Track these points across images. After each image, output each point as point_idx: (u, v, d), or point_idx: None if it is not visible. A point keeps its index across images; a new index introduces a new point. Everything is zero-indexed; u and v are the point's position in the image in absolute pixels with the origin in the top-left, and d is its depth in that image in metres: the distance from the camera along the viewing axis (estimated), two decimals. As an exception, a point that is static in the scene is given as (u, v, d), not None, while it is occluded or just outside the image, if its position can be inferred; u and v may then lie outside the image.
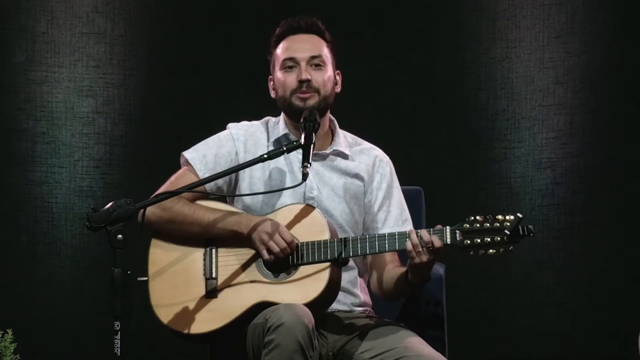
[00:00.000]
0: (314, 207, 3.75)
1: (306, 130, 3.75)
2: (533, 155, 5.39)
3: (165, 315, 3.71)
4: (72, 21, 5.47)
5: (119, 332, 3.35)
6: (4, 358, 4.65)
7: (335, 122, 3.96)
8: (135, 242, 3.53)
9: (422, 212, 4.18)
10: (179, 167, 3.88)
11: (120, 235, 3.39)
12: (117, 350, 3.35)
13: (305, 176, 3.67)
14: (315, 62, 3.85)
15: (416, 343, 3.71)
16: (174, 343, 3.77)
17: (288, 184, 3.83)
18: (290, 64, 3.85)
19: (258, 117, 4.00)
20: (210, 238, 3.75)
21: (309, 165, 3.68)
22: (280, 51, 3.88)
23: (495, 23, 5.44)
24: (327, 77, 3.86)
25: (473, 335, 5.35)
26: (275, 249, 3.66)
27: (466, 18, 5.46)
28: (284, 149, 3.72)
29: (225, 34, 5.52)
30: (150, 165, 5.43)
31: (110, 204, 3.45)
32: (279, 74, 3.87)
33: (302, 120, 3.79)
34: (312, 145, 3.72)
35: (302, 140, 3.73)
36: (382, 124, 5.39)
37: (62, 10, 5.46)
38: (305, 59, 3.84)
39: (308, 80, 3.82)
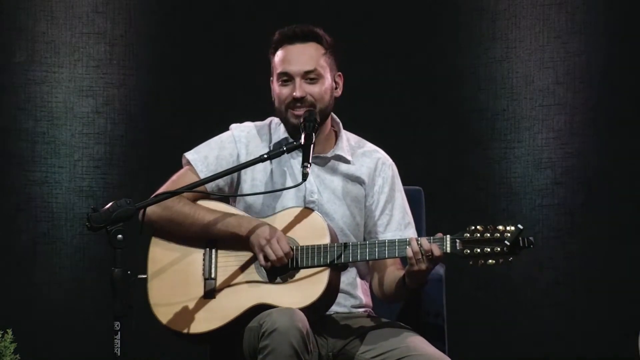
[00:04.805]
0: (313, 210, 3.74)
1: (306, 130, 3.74)
2: (533, 155, 5.39)
3: (163, 313, 3.71)
4: (72, 21, 5.47)
5: (119, 332, 3.35)
6: (4, 358, 4.65)
7: (340, 124, 3.94)
8: (136, 242, 3.54)
9: (422, 212, 4.18)
10: (179, 167, 3.88)
11: (120, 235, 3.39)
12: (117, 350, 3.35)
13: (305, 176, 3.66)
14: (310, 77, 3.80)
15: (419, 342, 3.71)
16: (174, 343, 3.77)
17: (289, 185, 3.82)
18: (285, 78, 3.81)
19: (259, 118, 3.99)
20: (210, 239, 3.75)
21: (309, 165, 3.67)
22: (276, 61, 3.83)
23: (495, 23, 5.44)
24: (324, 89, 3.81)
25: (473, 335, 5.35)
26: (272, 256, 3.64)
27: (466, 18, 5.46)
28: (284, 149, 3.72)
29: (226, 33, 5.51)
30: (150, 165, 5.43)
31: (110, 204, 3.45)
32: (275, 84, 3.84)
33: (302, 120, 3.78)
34: (312, 145, 3.71)
35: (302, 141, 3.72)
36: (382, 124, 5.39)
37: (62, 10, 5.46)
38: (299, 73, 3.79)
39: (302, 98, 3.80)
